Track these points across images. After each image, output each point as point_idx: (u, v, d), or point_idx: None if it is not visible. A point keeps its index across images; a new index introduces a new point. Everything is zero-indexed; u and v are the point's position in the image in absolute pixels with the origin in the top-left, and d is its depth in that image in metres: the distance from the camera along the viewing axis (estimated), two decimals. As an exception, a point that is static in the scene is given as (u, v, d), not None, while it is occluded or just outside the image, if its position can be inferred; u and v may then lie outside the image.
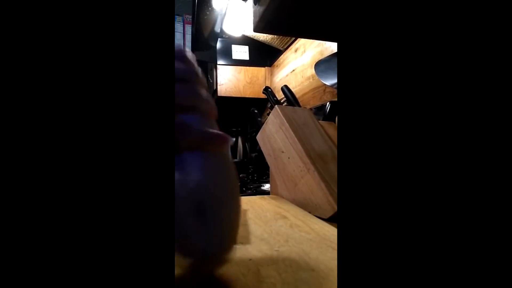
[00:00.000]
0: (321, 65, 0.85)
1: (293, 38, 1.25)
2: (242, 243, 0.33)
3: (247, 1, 1.06)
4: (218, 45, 1.51)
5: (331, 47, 0.97)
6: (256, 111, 1.17)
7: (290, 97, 0.91)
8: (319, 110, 0.92)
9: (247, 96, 1.52)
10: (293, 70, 1.28)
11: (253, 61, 1.54)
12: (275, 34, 1.19)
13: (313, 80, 1.09)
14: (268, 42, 1.33)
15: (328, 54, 0.91)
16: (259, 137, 0.67)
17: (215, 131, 0.22)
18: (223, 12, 1.29)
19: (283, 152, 0.58)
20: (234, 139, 1.59)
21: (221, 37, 1.51)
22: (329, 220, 0.44)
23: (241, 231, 0.37)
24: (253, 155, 1.41)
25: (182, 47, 0.23)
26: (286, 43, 1.31)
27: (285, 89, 0.92)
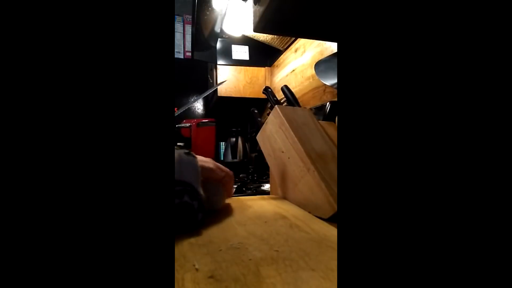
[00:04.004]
0: (321, 65, 0.85)
1: (293, 38, 1.25)
2: (242, 243, 0.33)
3: (247, 1, 1.05)
4: (218, 45, 1.51)
5: (331, 47, 0.97)
6: (256, 111, 1.17)
7: (290, 97, 0.91)
8: (319, 110, 0.92)
9: (247, 96, 1.52)
10: (293, 70, 1.28)
11: (253, 61, 1.54)
12: (275, 34, 1.19)
13: (313, 80, 1.09)
14: (268, 42, 1.33)
15: (328, 54, 0.91)
16: (259, 137, 0.67)
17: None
18: (223, 12, 1.29)
19: (283, 152, 0.58)
20: (234, 139, 1.59)
21: (221, 37, 1.51)
22: (329, 220, 0.44)
23: (241, 231, 0.37)
24: (253, 155, 1.41)
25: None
26: (286, 43, 1.31)
27: (285, 89, 0.92)
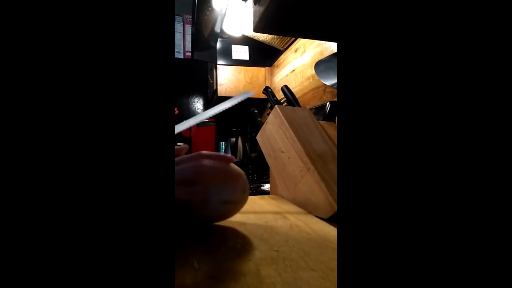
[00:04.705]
0: (321, 65, 0.85)
1: (293, 38, 1.25)
2: (242, 243, 0.33)
3: (247, 1, 1.06)
4: (218, 45, 1.51)
5: (331, 47, 0.97)
6: (256, 111, 1.17)
7: (290, 97, 0.91)
8: (319, 110, 0.92)
9: (247, 96, 1.52)
10: (293, 70, 1.28)
11: (253, 61, 1.54)
12: (275, 34, 1.19)
13: (313, 80, 1.09)
14: (268, 42, 1.33)
15: (328, 54, 0.91)
16: (259, 137, 0.67)
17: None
18: (223, 12, 1.29)
19: (283, 152, 0.58)
20: (234, 139, 1.59)
21: (221, 37, 1.51)
22: (329, 220, 0.44)
23: (241, 231, 0.37)
24: (253, 155, 1.41)
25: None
26: (286, 43, 1.31)
27: (285, 89, 0.92)
